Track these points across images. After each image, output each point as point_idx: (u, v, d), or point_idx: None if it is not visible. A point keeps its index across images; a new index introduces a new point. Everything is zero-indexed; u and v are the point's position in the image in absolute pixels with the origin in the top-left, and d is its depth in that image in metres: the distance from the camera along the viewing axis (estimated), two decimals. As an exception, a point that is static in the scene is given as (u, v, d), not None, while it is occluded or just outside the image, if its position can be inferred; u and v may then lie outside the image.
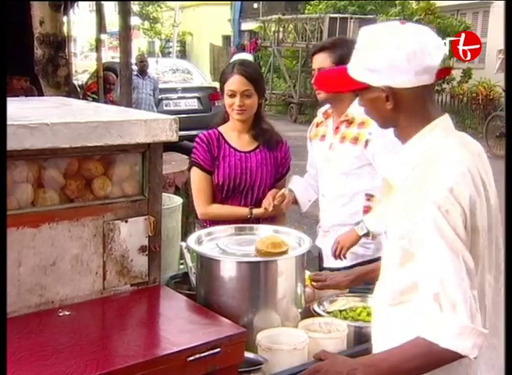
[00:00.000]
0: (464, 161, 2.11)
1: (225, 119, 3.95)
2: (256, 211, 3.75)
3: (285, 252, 2.66)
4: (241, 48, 31.17)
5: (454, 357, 1.99)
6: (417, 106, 2.20)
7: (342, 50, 3.55)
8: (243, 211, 3.74)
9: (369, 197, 3.75)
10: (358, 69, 2.21)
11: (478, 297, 2.05)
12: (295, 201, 3.93)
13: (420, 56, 2.11)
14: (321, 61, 3.69)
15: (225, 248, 2.75)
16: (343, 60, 3.41)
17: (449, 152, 2.13)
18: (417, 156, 2.18)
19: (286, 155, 4.04)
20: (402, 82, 2.14)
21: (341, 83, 2.37)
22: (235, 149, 3.89)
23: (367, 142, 3.66)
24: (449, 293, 1.98)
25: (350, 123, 3.76)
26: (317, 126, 4.05)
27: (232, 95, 3.79)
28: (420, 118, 2.20)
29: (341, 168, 3.77)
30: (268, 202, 3.71)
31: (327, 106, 3.96)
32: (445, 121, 2.23)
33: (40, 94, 6.33)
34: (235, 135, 3.91)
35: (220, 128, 3.91)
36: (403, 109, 2.19)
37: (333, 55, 3.64)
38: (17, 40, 6.37)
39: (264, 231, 3.00)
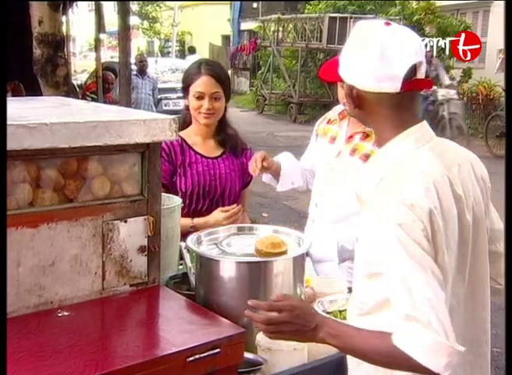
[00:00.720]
0: (430, 174, 2.07)
1: (187, 123, 3.80)
2: (198, 221, 3.58)
3: (284, 252, 2.65)
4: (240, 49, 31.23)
5: (425, 371, 1.89)
6: (384, 113, 2.16)
7: None
8: (184, 221, 3.36)
9: None
10: (340, 62, 2.22)
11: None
12: (276, 174, 3.72)
13: (383, 62, 2.08)
14: None
15: (225, 248, 2.74)
16: None
17: (415, 165, 2.10)
18: (386, 167, 2.15)
19: None
20: (363, 85, 2.13)
21: (331, 73, 2.36)
22: (201, 155, 3.75)
23: None
24: (423, 312, 1.90)
25: (366, 136, 3.51)
26: (328, 122, 3.78)
27: (200, 97, 3.64)
28: (391, 125, 2.16)
29: (343, 184, 3.45)
30: (253, 166, 3.51)
31: (342, 106, 3.66)
32: (420, 130, 2.19)
33: (39, 93, 6.31)
34: (199, 140, 3.76)
35: (182, 133, 3.68)
36: (367, 112, 2.20)
37: None
38: (16, 40, 6.36)
39: (263, 231, 2.98)
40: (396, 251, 1.97)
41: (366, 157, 3.43)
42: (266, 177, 3.81)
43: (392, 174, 2.11)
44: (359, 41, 2.15)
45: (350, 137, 3.57)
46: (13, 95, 8.13)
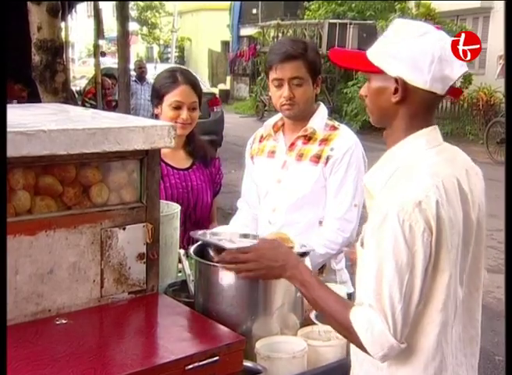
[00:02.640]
0: (439, 174, 2.09)
1: None
2: None
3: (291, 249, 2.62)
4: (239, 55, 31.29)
5: (365, 351, 2.07)
6: (419, 111, 2.18)
7: (311, 56, 3.34)
8: None
9: (322, 224, 3.43)
10: (380, 53, 2.18)
11: (445, 311, 2.11)
12: None
13: (443, 63, 2.09)
14: (296, 69, 3.32)
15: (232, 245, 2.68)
16: (313, 67, 3.35)
17: (425, 165, 2.12)
18: (395, 164, 2.16)
19: (219, 171, 3.86)
20: (416, 80, 2.11)
21: (355, 62, 2.32)
22: (172, 167, 3.68)
23: (328, 159, 3.37)
24: (383, 307, 2.01)
25: (308, 139, 3.44)
26: (261, 140, 3.66)
27: (178, 107, 3.56)
28: (416, 124, 2.18)
29: (297, 192, 3.41)
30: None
31: (276, 118, 3.60)
32: (431, 133, 2.21)
33: (37, 99, 6.31)
34: (169, 152, 3.58)
35: None
36: (406, 109, 2.17)
37: (306, 63, 3.33)
38: (15, 46, 6.36)
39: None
40: (386, 244, 2.02)
41: (317, 158, 3.39)
42: None
43: (402, 172, 2.13)
44: (415, 37, 2.12)
45: (292, 144, 3.48)
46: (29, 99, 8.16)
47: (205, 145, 3.88)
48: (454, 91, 2.24)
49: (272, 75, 3.37)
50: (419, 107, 2.17)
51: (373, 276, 2.04)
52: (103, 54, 14.18)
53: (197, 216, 3.72)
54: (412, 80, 2.11)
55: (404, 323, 2.02)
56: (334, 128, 3.47)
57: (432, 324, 2.12)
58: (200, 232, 2.86)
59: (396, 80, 2.13)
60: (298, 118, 3.44)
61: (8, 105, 2.44)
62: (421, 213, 2.00)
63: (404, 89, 2.13)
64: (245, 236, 2.94)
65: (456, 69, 2.13)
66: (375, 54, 2.19)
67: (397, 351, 2.04)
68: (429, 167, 2.11)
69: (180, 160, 3.74)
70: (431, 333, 2.12)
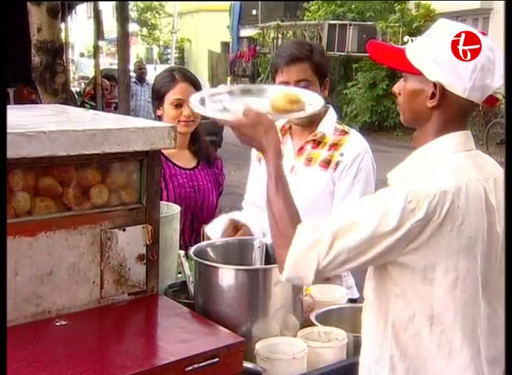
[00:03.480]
0: (463, 177, 2.05)
1: None
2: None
3: (302, 108, 2.52)
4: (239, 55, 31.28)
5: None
6: (453, 118, 2.13)
7: (317, 58, 3.31)
8: None
9: None
10: (421, 54, 2.12)
11: (467, 322, 2.08)
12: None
13: (485, 73, 2.06)
14: (302, 71, 3.27)
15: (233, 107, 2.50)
16: (320, 69, 3.31)
17: (450, 164, 2.09)
18: (421, 164, 2.13)
19: (222, 172, 3.85)
20: (456, 87, 2.07)
21: (392, 59, 2.24)
22: (179, 167, 3.68)
23: (337, 164, 3.31)
24: (327, 238, 2.02)
25: (318, 143, 3.38)
26: None
27: (179, 105, 3.55)
28: (446, 129, 2.13)
29: (305, 197, 3.19)
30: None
31: (283, 120, 3.47)
32: (462, 137, 2.17)
33: (38, 101, 6.32)
34: (175, 152, 3.57)
35: None
36: (440, 114, 2.12)
37: (312, 65, 3.28)
38: (15, 47, 6.36)
39: (273, 91, 2.67)
40: (382, 202, 2.01)
41: (327, 163, 3.33)
42: None
43: (425, 168, 2.09)
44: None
45: (301, 148, 3.42)
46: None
47: (209, 145, 3.88)
48: (491, 99, 2.20)
49: (279, 78, 3.31)
50: (454, 114, 2.13)
51: (348, 209, 2.12)
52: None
53: (204, 216, 3.70)
54: (451, 87, 2.07)
55: (337, 264, 2.03)
56: (344, 133, 3.41)
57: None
58: (197, 95, 2.66)
59: (435, 85, 2.08)
60: (306, 122, 3.38)
61: (8, 106, 2.44)
62: (430, 205, 1.96)
63: (442, 95, 2.08)
64: (246, 90, 2.74)
65: (497, 79, 2.08)
66: (415, 54, 2.13)
67: (307, 274, 2.06)
68: (453, 169, 2.07)
69: (186, 160, 3.73)
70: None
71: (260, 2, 33.65)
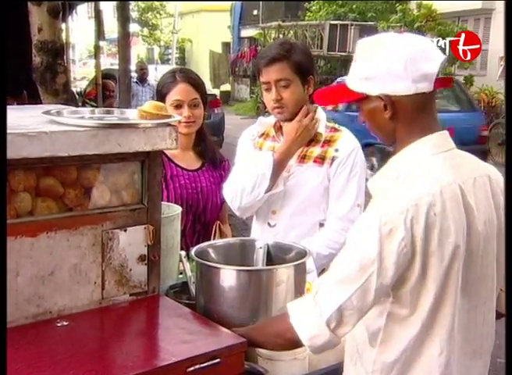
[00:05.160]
0: (439, 181, 2.08)
1: None
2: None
3: (168, 116, 2.59)
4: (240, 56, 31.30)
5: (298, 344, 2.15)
6: (415, 115, 2.17)
7: (297, 57, 3.30)
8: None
9: (322, 226, 3.41)
10: (355, 79, 2.21)
11: (443, 324, 2.11)
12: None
13: (416, 63, 2.09)
14: (280, 71, 3.29)
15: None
16: (299, 67, 3.31)
17: (426, 171, 2.11)
18: (398, 170, 2.15)
19: (229, 173, 3.72)
20: (400, 89, 2.12)
21: (339, 96, 2.39)
22: (182, 168, 3.66)
23: (333, 159, 3.35)
24: (332, 297, 2.06)
25: (310, 140, 3.40)
26: (264, 137, 3.58)
27: (179, 106, 3.54)
28: (417, 128, 2.17)
29: (300, 194, 3.39)
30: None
31: (274, 118, 3.51)
32: (439, 138, 2.19)
33: (39, 101, 6.31)
34: (178, 153, 3.61)
35: None
36: (401, 118, 2.17)
37: (291, 63, 3.29)
38: (16, 47, 6.35)
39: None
40: (358, 237, 2.07)
41: (322, 159, 3.37)
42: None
43: (403, 178, 2.12)
44: (380, 52, 2.14)
45: None
46: (18, 103, 8.13)
47: (215, 147, 3.87)
48: (443, 81, 2.23)
49: (261, 79, 3.37)
50: (413, 112, 2.16)
51: (335, 264, 2.12)
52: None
53: (207, 218, 3.70)
54: (395, 92, 2.12)
55: (347, 321, 2.06)
56: (335, 130, 3.46)
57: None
58: None
59: (381, 98, 2.14)
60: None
61: (9, 107, 2.43)
62: (406, 221, 2.00)
63: (392, 103, 2.14)
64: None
65: (434, 62, 2.12)
66: (352, 81, 2.22)
67: (328, 339, 2.08)
68: (430, 174, 2.10)
69: (190, 161, 3.71)
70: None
71: (261, 2, 33.66)
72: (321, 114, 3.45)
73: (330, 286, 2.08)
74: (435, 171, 2.11)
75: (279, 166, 3.30)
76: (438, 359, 2.14)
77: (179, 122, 3.35)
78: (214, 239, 3.58)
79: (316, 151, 3.39)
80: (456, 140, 2.24)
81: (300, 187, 3.39)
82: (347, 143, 3.40)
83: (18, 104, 8.23)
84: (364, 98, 2.20)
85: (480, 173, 2.23)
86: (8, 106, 2.35)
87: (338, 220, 3.34)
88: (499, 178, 2.28)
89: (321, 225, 3.40)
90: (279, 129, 3.52)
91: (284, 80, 3.30)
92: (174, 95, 3.57)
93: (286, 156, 3.34)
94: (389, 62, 2.10)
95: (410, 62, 2.08)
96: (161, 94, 3.64)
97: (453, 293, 2.11)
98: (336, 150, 3.36)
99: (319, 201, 3.39)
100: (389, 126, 2.20)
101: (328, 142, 3.40)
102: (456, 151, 2.23)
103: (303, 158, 3.40)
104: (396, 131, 2.20)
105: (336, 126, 3.49)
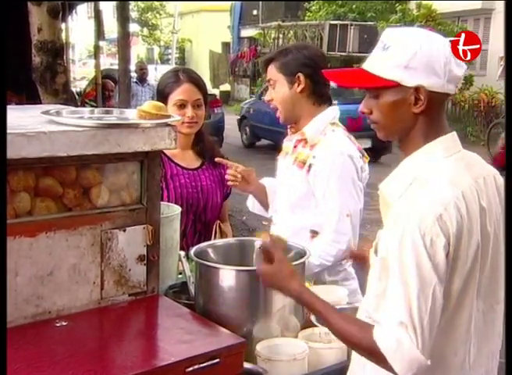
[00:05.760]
0: (459, 184, 2.06)
1: None
2: None
3: (167, 116, 2.60)
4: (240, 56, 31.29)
5: (391, 371, 1.98)
6: (436, 115, 2.15)
7: (284, 58, 3.34)
8: None
9: (314, 234, 3.36)
10: (389, 65, 2.10)
11: (461, 324, 2.10)
12: (261, 196, 3.68)
13: (452, 63, 2.08)
14: (269, 73, 3.41)
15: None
16: (284, 67, 3.34)
17: (444, 175, 2.08)
18: (413, 174, 2.11)
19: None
20: (436, 84, 2.08)
21: (361, 80, 2.22)
22: (182, 167, 3.66)
23: (310, 166, 3.32)
24: (413, 323, 1.94)
25: (305, 142, 3.39)
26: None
27: (182, 106, 3.54)
28: (435, 128, 2.15)
29: (290, 195, 3.43)
30: (232, 173, 3.48)
31: None
32: (450, 140, 2.17)
33: (38, 101, 6.29)
34: (178, 152, 3.62)
35: None
36: (426, 115, 2.12)
37: (277, 64, 3.36)
38: (15, 47, 6.34)
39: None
40: (408, 258, 1.96)
41: (303, 163, 3.35)
42: (253, 207, 3.77)
43: (421, 183, 2.08)
44: (419, 42, 2.08)
45: (295, 147, 3.46)
46: (17, 103, 8.13)
47: (214, 146, 3.87)
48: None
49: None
50: (436, 111, 2.14)
51: (400, 293, 1.97)
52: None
53: (207, 217, 3.70)
54: (432, 86, 2.07)
55: (431, 338, 1.97)
56: (325, 134, 3.38)
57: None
58: None
59: (416, 90, 2.08)
60: (290, 120, 3.46)
61: (9, 107, 2.43)
62: (442, 227, 1.97)
63: (427, 96, 2.08)
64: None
65: (460, 68, 2.12)
66: (385, 68, 2.11)
67: (424, 368, 1.96)
68: (449, 177, 2.07)
69: (189, 160, 3.72)
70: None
71: (261, 2, 33.65)
72: (324, 115, 3.41)
73: (409, 312, 1.96)
74: (453, 174, 2.09)
75: None
76: (453, 360, 2.12)
77: (182, 122, 3.41)
78: (214, 238, 3.60)
79: (304, 153, 3.38)
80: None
81: (288, 187, 3.42)
82: (324, 150, 3.31)
83: (17, 104, 8.25)
84: (390, 87, 2.11)
85: (487, 172, 2.22)
86: (8, 106, 2.35)
87: (329, 232, 3.30)
88: (500, 177, 2.28)
89: (313, 232, 3.38)
90: (296, 130, 3.49)
91: (271, 80, 3.41)
92: (178, 95, 3.56)
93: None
94: (432, 55, 2.06)
95: (449, 60, 2.07)
96: (163, 94, 3.62)
97: (471, 295, 2.11)
98: (314, 157, 3.32)
99: (306, 205, 3.36)
100: (410, 121, 2.14)
101: (312, 146, 3.36)
102: (464, 152, 2.21)
103: (295, 160, 3.41)
104: (413, 128, 2.15)
105: (332, 129, 3.41)
